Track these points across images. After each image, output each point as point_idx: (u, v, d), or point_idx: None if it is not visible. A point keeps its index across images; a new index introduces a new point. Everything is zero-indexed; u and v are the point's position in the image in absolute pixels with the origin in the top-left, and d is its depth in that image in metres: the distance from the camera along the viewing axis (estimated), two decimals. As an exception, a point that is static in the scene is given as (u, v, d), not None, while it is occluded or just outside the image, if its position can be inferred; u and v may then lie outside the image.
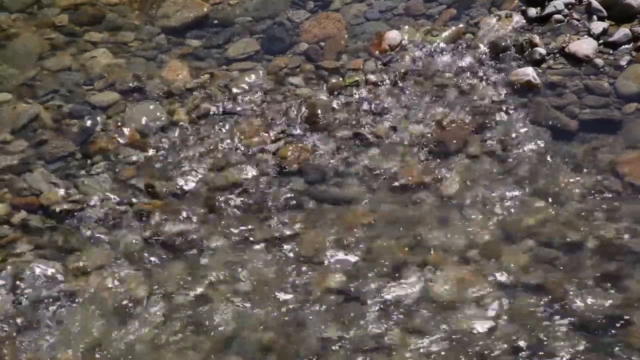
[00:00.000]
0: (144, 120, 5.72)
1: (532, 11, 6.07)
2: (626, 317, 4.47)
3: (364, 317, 4.61)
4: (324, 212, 5.13)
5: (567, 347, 4.40)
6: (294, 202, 5.18)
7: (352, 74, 5.91)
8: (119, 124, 5.70)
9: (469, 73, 5.76)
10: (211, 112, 5.72)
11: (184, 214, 5.16)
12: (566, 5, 6.02)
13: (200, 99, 5.83)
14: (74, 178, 5.41)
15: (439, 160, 5.32)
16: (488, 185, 5.16)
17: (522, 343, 4.43)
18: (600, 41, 5.79)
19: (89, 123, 5.73)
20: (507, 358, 4.40)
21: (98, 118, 5.76)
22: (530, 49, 5.80)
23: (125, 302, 4.75)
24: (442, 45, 5.97)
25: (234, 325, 4.63)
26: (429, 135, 5.45)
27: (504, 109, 5.53)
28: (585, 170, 5.16)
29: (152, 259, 4.96)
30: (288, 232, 5.02)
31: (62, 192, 5.30)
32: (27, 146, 5.60)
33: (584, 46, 5.74)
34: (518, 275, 4.72)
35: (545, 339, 4.43)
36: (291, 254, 4.92)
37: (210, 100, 5.80)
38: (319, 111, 5.65)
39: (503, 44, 5.88)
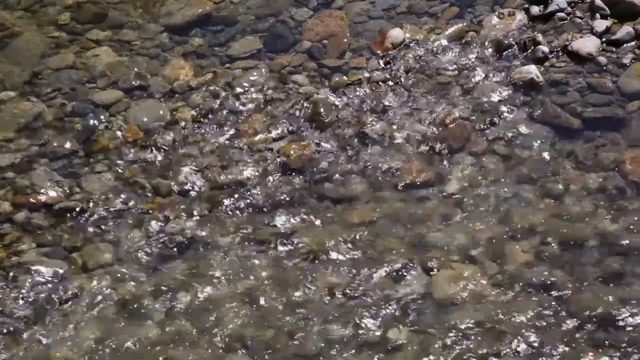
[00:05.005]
0: (146, 118, 5.72)
1: (535, 9, 6.06)
2: (628, 315, 4.47)
3: (366, 315, 4.61)
4: (327, 210, 5.13)
5: (568, 346, 4.40)
6: (297, 200, 5.18)
7: (355, 72, 5.91)
8: (122, 122, 5.70)
9: (471, 71, 5.76)
10: (214, 111, 5.72)
11: (187, 212, 5.16)
12: (569, 3, 6.02)
13: (203, 97, 5.83)
14: (76, 176, 5.40)
15: (441, 158, 5.32)
16: (491, 183, 5.16)
17: (524, 341, 4.43)
18: (603, 39, 5.79)
19: (91, 121, 5.72)
20: (509, 357, 4.39)
21: (101, 116, 5.75)
22: (533, 47, 5.80)
23: (128, 301, 4.75)
24: (444, 43, 5.97)
25: (237, 323, 4.63)
26: (432, 133, 5.44)
27: (507, 107, 5.53)
28: (588, 168, 5.16)
29: (155, 257, 4.96)
30: (291, 231, 5.03)
31: (64, 190, 5.30)
32: (30, 144, 5.59)
33: (587, 44, 5.74)
34: (521, 273, 4.72)
35: (547, 337, 4.43)
36: (294, 252, 4.92)
37: (213, 99, 5.80)
38: (322, 109, 5.64)
39: (506, 42, 5.88)
